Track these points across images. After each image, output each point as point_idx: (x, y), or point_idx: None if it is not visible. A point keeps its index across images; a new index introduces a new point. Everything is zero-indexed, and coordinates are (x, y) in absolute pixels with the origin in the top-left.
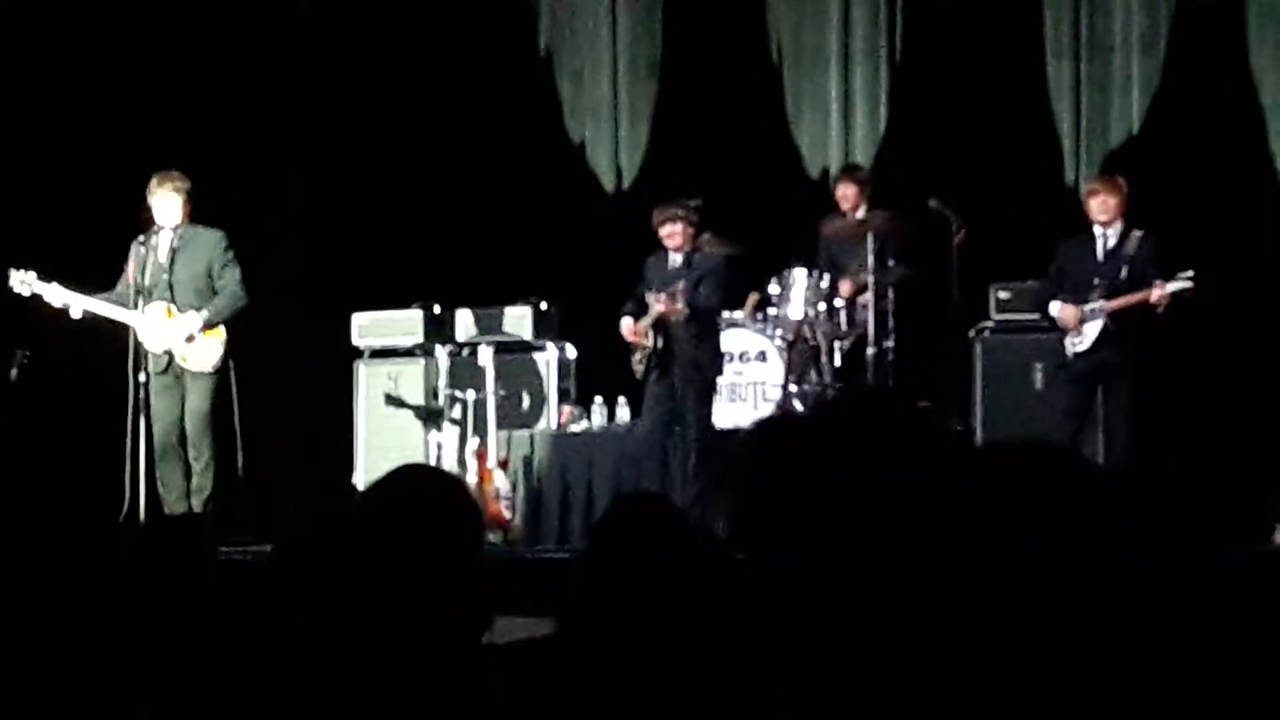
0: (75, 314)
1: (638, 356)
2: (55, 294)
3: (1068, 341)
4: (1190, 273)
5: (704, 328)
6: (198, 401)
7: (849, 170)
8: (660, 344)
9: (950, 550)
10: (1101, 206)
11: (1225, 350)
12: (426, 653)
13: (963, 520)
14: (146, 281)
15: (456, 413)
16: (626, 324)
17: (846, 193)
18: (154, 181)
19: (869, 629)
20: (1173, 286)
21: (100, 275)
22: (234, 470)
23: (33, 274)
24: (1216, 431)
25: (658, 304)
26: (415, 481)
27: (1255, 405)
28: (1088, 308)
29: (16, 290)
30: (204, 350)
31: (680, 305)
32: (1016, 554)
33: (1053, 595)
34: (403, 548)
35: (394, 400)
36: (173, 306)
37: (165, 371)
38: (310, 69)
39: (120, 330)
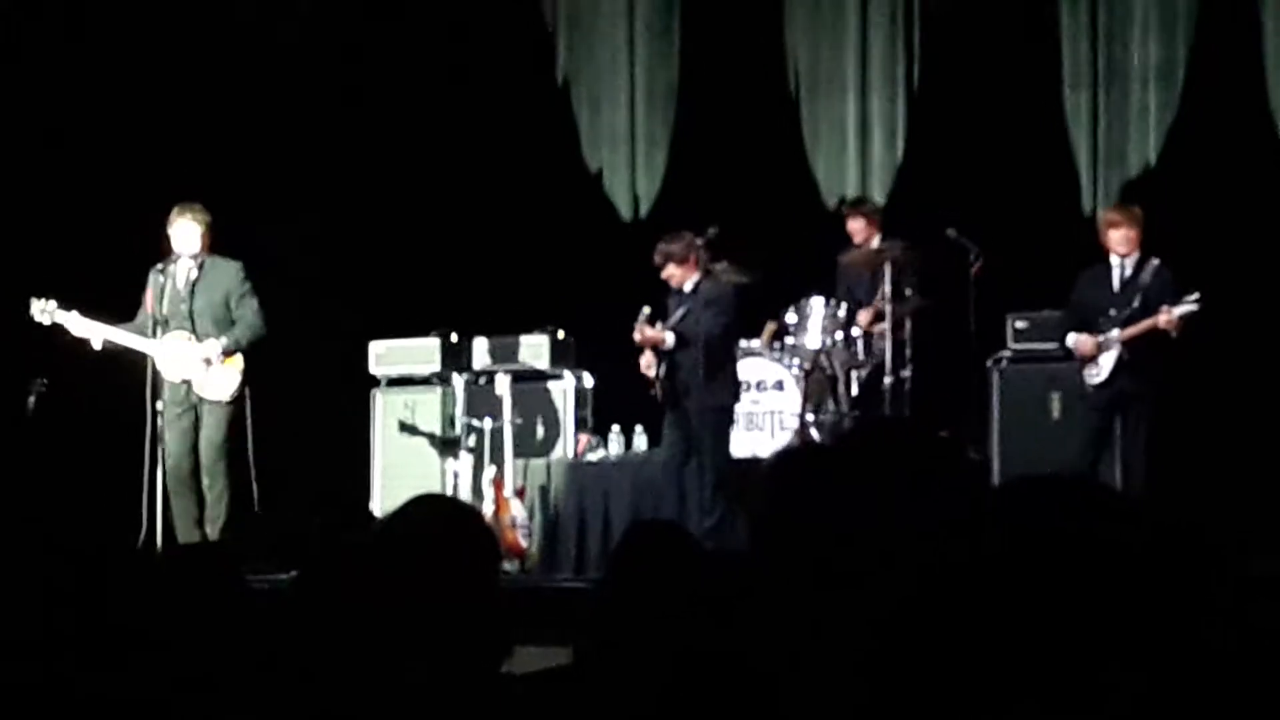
0: (96, 345)
1: (654, 387)
2: (76, 323)
3: (1086, 374)
4: (1196, 295)
5: (710, 356)
6: (212, 431)
7: (855, 204)
8: (663, 373)
9: (972, 576)
10: (1123, 239)
11: (1243, 379)
12: (445, 682)
13: (985, 547)
14: (164, 310)
15: (473, 441)
16: (644, 359)
17: (855, 226)
18: (174, 212)
19: (890, 656)
20: (1180, 310)
21: (118, 304)
22: (249, 500)
23: (53, 303)
24: (1235, 460)
25: (638, 335)
26: (430, 512)
27: (1275, 435)
28: (1103, 338)
29: (38, 319)
30: (222, 379)
31: (654, 333)
32: (1039, 579)
33: (1077, 618)
34: (418, 578)
35: (408, 428)
36: (192, 335)
37: (182, 401)
38: (329, 96)
39: (138, 358)
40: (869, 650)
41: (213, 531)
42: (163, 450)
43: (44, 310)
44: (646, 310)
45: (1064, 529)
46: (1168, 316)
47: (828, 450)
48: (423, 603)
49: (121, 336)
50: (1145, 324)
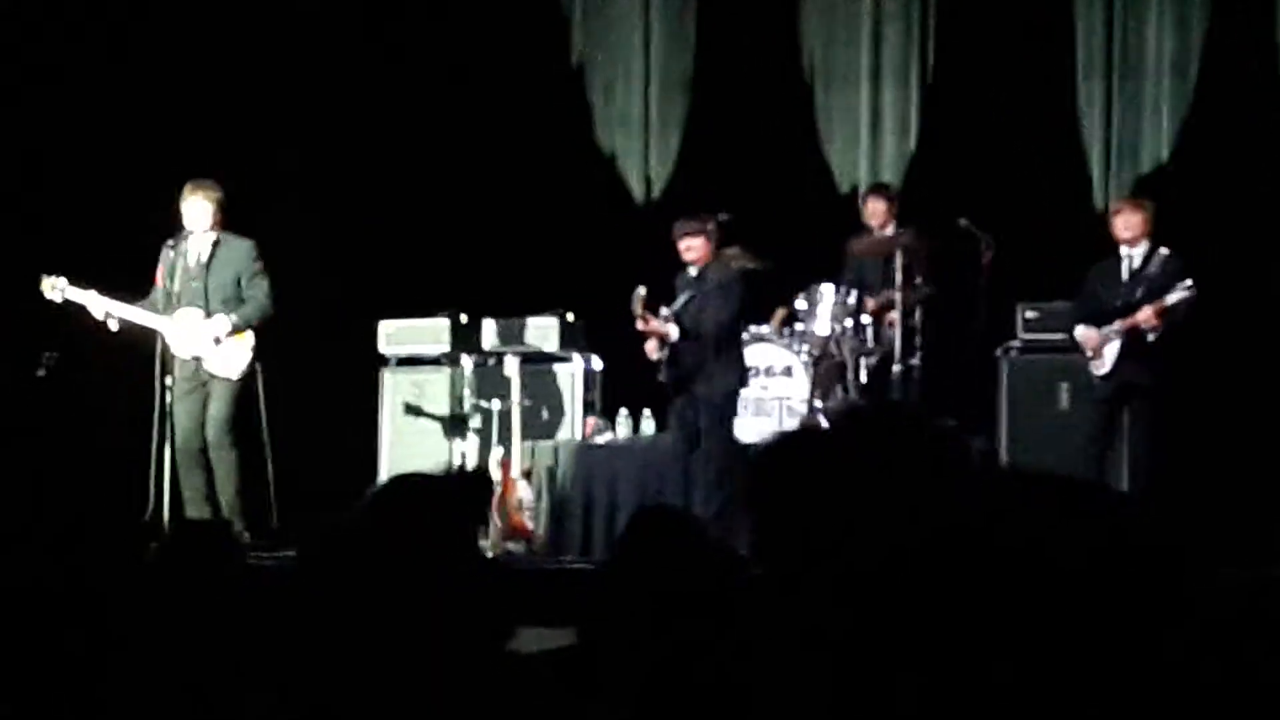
0: (113, 325)
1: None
2: (89, 301)
3: (1091, 365)
4: (1189, 282)
5: (717, 342)
6: (219, 407)
7: (878, 188)
8: (666, 357)
9: (963, 564)
10: (1125, 225)
11: (1255, 373)
12: (446, 660)
13: (978, 535)
14: (175, 287)
15: (481, 422)
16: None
17: (876, 209)
18: (186, 189)
19: (881, 642)
20: (1169, 300)
21: (129, 279)
22: (264, 478)
23: (63, 280)
24: (1245, 453)
25: (641, 325)
26: (402, 491)
27: None
28: (1106, 329)
29: (48, 296)
30: (231, 355)
31: (658, 325)
32: (1030, 573)
33: (1059, 615)
34: (397, 557)
35: (413, 409)
36: (205, 313)
37: (191, 378)
38: (342, 77)
39: (150, 333)
40: (854, 634)
41: (225, 509)
42: (171, 426)
43: (54, 287)
44: (641, 291)
45: (1045, 532)
46: (1146, 314)
47: (820, 436)
48: (407, 581)
49: (133, 313)
50: (1129, 320)
